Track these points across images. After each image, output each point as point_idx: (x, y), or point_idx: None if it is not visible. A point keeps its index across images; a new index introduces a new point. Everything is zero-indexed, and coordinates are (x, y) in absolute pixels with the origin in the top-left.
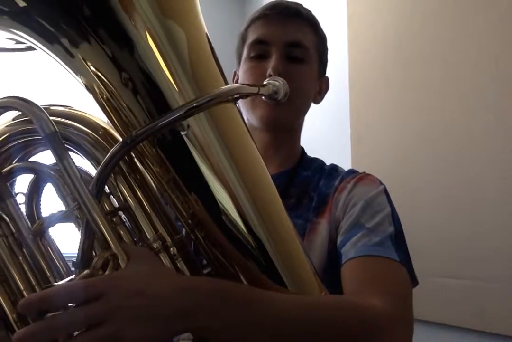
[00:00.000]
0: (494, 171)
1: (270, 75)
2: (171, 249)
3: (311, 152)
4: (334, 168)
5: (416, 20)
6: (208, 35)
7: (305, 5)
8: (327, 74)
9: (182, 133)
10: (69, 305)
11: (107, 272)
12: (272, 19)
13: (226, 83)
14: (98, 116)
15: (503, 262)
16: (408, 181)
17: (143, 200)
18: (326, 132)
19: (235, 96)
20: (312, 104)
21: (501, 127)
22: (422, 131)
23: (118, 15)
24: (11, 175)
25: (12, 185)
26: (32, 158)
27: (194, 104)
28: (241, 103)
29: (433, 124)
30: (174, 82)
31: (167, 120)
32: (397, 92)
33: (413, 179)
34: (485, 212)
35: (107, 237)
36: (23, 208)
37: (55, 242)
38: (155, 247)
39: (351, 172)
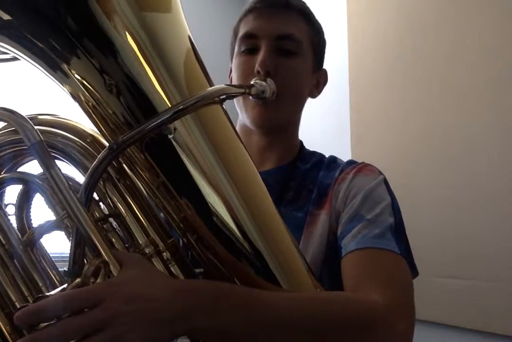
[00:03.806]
0: (494, 170)
1: (258, 72)
2: (164, 253)
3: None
4: (333, 160)
5: (416, 19)
6: (200, 35)
7: None
8: (327, 71)
9: (170, 136)
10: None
11: (98, 280)
12: (262, 12)
13: (211, 84)
14: (86, 124)
15: (503, 262)
16: (408, 181)
17: (133, 206)
18: (326, 132)
19: (221, 97)
20: (312, 105)
21: (501, 127)
22: (422, 131)
23: (99, 20)
24: (0, 186)
25: (1, 196)
26: (21, 168)
27: (180, 107)
28: (235, 104)
29: (433, 124)
30: (159, 85)
31: (154, 124)
32: (397, 92)
33: (413, 179)
34: (485, 212)
35: (97, 244)
36: (13, 219)
37: (47, 251)
38: (147, 252)
39: (351, 163)
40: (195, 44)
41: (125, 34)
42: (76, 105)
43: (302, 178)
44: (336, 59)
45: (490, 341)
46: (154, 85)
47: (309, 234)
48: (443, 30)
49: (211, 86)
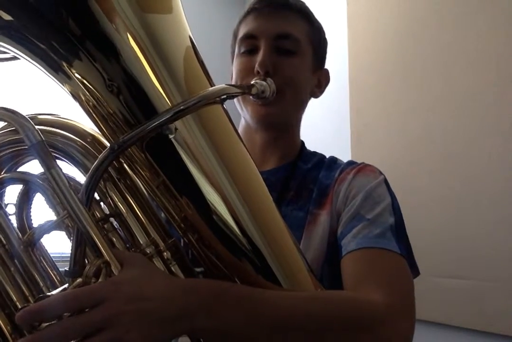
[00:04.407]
0: (494, 170)
1: (258, 72)
2: (165, 253)
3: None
4: (333, 160)
5: (416, 20)
6: (201, 35)
7: None
8: None
9: (171, 136)
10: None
11: (100, 280)
12: (261, 13)
13: (212, 84)
14: (86, 124)
15: (503, 262)
16: (407, 181)
17: (134, 206)
18: (326, 132)
19: (222, 97)
20: (313, 105)
21: (501, 127)
22: (422, 131)
23: (99, 20)
24: (0, 186)
25: (1, 195)
26: (21, 168)
27: (181, 107)
28: (235, 101)
29: (433, 124)
30: (160, 85)
31: (154, 124)
32: (397, 92)
33: (413, 179)
34: (485, 212)
35: (99, 244)
36: (13, 219)
37: (47, 251)
38: (148, 252)
39: (351, 163)
40: (196, 45)
41: (126, 34)
42: (76, 105)
43: (303, 178)
44: (336, 59)
45: (490, 341)
46: (155, 85)
47: (310, 234)
48: (443, 30)
49: (212, 86)
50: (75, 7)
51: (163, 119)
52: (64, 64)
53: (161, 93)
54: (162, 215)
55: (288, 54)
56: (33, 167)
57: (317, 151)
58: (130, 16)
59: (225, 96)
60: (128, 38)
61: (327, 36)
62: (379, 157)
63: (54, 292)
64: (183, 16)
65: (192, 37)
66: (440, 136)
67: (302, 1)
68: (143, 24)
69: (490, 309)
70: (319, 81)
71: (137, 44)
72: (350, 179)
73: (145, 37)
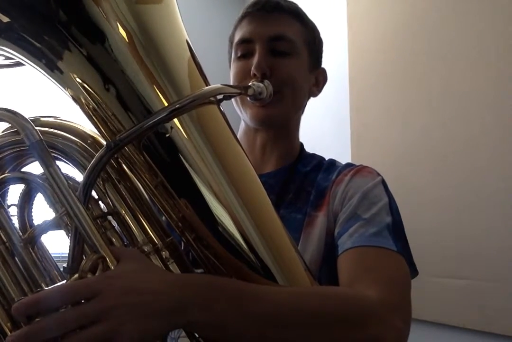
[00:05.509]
0: (494, 170)
1: (254, 74)
2: (163, 252)
3: (310, 152)
4: (332, 162)
5: (416, 19)
6: (201, 36)
7: (305, 5)
8: (327, 71)
9: (167, 135)
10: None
11: (96, 274)
12: (254, 16)
13: (207, 84)
14: (86, 125)
15: (503, 262)
16: (408, 181)
17: (132, 205)
18: (326, 132)
19: (218, 97)
20: (312, 105)
21: (501, 127)
22: (422, 130)
23: (96, 20)
24: (2, 185)
25: (4, 195)
26: (24, 169)
27: (177, 106)
28: (234, 105)
29: (433, 124)
30: (156, 85)
31: (150, 123)
32: (397, 91)
33: (413, 179)
34: (485, 212)
35: (95, 240)
36: (15, 219)
37: (47, 250)
38: (145, 250)
39: (348, 165)
40: (193, 48)
41: (121, 31)
42: (77, 107)
43: (302, 181)
44: (336, 59)
45: (490, 341)
46: (152, 84)
47: (308, 235)
48: (443, 30)
49: (207, 85)
50: (73, 4)
51: (159, 117)
52: (62, 63)
53: (158, 93)
54: (163, 218)
55: (283, 55)
56: (36, 169)
57: (317, 151)
58: (124, 11)
59: (221, 97)
60: (124, 36)
61: (327, 36)
62: (379, 157)
63: (51, 286)
64: (179, 15)
65: (189, 40)
66: (440, 136)
67: (294, 3)
68: (139, 23)
69: (490, 309)
70: (317, 80)
71: (132, 43)
72: (347, 180)
73: (140, 35)
